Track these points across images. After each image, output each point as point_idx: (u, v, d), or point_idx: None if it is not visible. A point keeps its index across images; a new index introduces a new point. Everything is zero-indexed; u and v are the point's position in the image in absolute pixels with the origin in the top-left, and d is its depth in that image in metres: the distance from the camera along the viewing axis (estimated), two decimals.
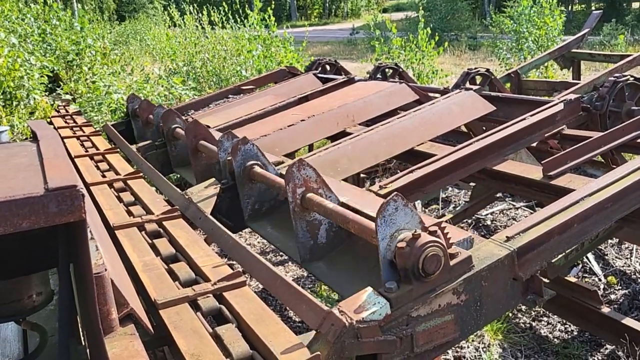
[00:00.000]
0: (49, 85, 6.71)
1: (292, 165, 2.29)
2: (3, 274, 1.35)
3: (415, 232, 1.67)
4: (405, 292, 1.66)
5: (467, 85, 4.31)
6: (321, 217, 2.26)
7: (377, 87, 4.45)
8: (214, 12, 9.25)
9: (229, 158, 2.91)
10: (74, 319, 1.43)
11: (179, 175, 4.64)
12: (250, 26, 8.90)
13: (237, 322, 1.71)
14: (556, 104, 3.43)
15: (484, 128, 4.10)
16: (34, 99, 5.57)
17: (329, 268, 2.19)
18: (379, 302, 1.62)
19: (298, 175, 2.28)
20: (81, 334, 1.50)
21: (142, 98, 5.20)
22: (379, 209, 1.69)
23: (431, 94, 4.36)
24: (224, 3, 9.43)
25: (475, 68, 4.67)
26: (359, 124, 4.17)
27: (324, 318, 1.60)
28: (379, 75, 5.40)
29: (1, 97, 5.19)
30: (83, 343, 1.47)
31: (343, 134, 3.97)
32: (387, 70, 5.47)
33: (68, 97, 6.44)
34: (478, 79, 4.79)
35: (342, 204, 2.26)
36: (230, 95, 5.79)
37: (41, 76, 5.83)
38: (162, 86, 6.75)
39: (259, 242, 5.09)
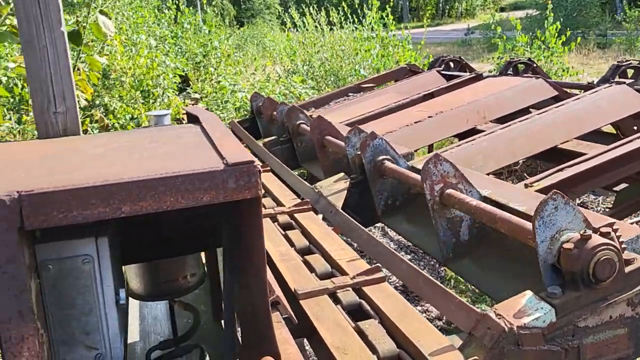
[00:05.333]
0: (179, 85, 7.16)
1: (428, 161, 2.19)
2: (167, 253, 1.38)
3: (584, 232, 1.50)
4: (571, 298, 1.49)
5: (617, 79, 3.90)
6: (462, 213, 2.13)
7: (510, 83, 4.19)
8: (332, 12, 9.37)
9: (358, 153, 2.86)
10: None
11: (300, 171, 4.69)
12: (367, 26, 8.87)
13: (380, 318, 1.65)
14: None
15: (635, 128, 3.70)
16: (168, 97, 5.95)
17: (475, 266, 2.06)
18: (542, 308, 1.47)
19: (435, 172, 2.18)
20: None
21: (265, 96, 5.35)
22: (536, 209, 1.54)
23: (571, 90, 4.02)
24: (343, 3, 9.48)
25: (627, 60, 4.20)
26: (491, 121, 3.94)
27: (477, 320, 1.49)
28: (510, 72, 5.09)
29: (141, 94, 5.60)
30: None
31: (472, 132, 3.77)
32: (519, 65, 5.14)
33: (197, 96, 6.82)
34: (629, 73, 4.31)
35: (485, 198, 2.12)
36: (350, 93, 5.78)
37: (174, 76, 6.22)
38: (283, 85, 6.92)
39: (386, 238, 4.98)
